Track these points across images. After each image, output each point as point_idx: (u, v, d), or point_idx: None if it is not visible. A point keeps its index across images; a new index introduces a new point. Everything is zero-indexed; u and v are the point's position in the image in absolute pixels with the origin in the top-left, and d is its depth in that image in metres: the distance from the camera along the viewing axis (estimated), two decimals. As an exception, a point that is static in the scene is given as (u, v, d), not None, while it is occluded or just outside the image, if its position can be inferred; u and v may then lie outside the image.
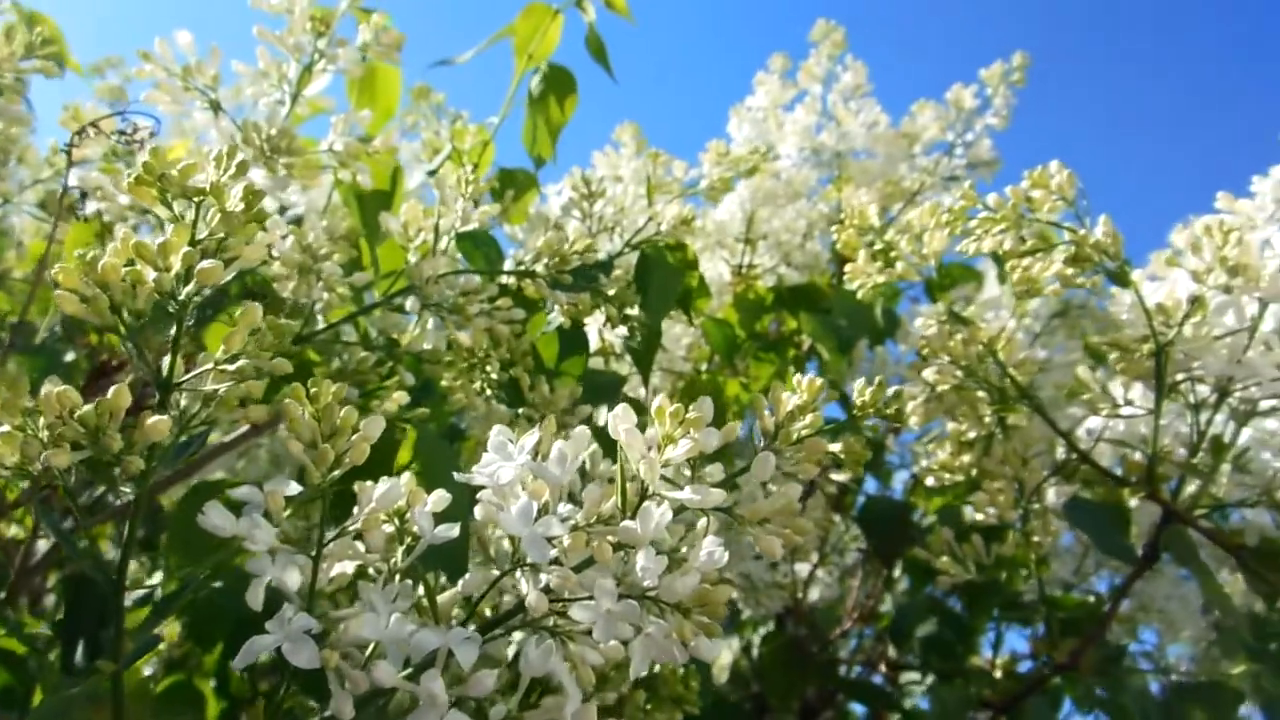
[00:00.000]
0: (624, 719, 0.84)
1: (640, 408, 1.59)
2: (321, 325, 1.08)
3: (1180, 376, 1.00)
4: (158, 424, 0.54)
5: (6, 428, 0.56)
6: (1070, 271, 0.93)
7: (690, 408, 0.70)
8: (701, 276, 1.89)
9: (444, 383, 1.01)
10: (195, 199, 0.56)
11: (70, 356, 1.33)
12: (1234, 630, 1.35)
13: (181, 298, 0.57)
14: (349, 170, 1.09)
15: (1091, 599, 1.50)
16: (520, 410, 0.99)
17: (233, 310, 1.11)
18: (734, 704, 1.36)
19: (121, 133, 0.88)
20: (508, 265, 1.20)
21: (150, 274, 0.54)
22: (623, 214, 1.60)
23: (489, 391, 1.00)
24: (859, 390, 0.76)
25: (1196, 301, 0.93)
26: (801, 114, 1.99)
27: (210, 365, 0.59)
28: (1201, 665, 1.54)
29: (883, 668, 1.48)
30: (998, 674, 1.46)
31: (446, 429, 1.32)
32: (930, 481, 1.16)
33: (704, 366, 1.94)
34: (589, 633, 0.65)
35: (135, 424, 0.56)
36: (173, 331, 0.58)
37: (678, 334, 1.86)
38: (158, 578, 1.44)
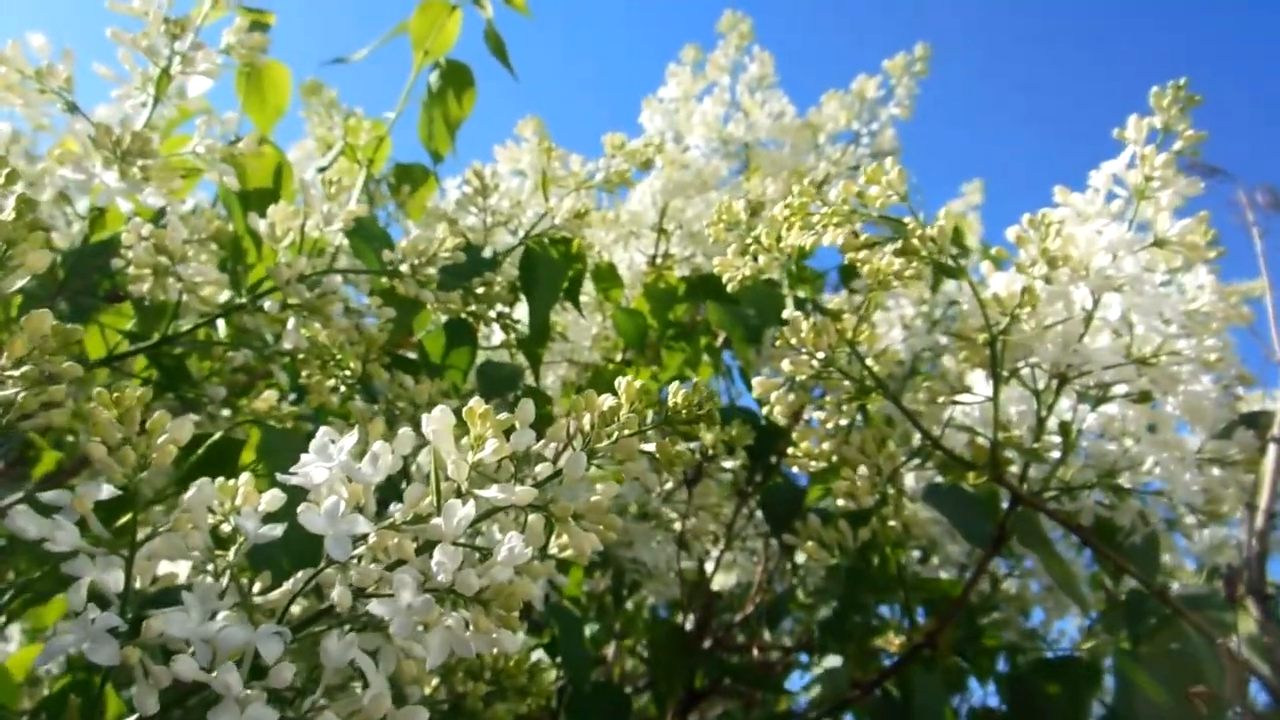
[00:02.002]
0: (465, 712, 0.86)
1: (543, 398, 1.61)
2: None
3: (1021, 364, 1.03)
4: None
5: None
6: (900, 263, 0.95)
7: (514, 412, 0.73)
8: (612, 266, 1.92)
9: (301, 380, 1.03)
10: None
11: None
12: (1116, 607, 1.39)
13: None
14: (215, 173, 1.10)
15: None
16: (376, 406, 1.01)
17: (100, 311, 1.12)
18: (616, 688, 1.39)
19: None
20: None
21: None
22: (519, 208, 1.62)
23: (344, 388, 1.02)
24: (673, 392, 0.78)
25: (1026, 292, 0.96)
26: (710, 105, 2.01)
27: (-4, 373, 0.60)
28: (1084, 642, 1.58)
29: (756, 651, 1.51)
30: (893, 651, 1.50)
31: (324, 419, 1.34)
32: (795, 470, 1.19)
33: (619, 356, 1.96)
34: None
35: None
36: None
37: (585, 325, 1.88)
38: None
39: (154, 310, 1.13)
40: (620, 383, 0.76)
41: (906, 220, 0.97)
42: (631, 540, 1.61)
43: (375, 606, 0.67)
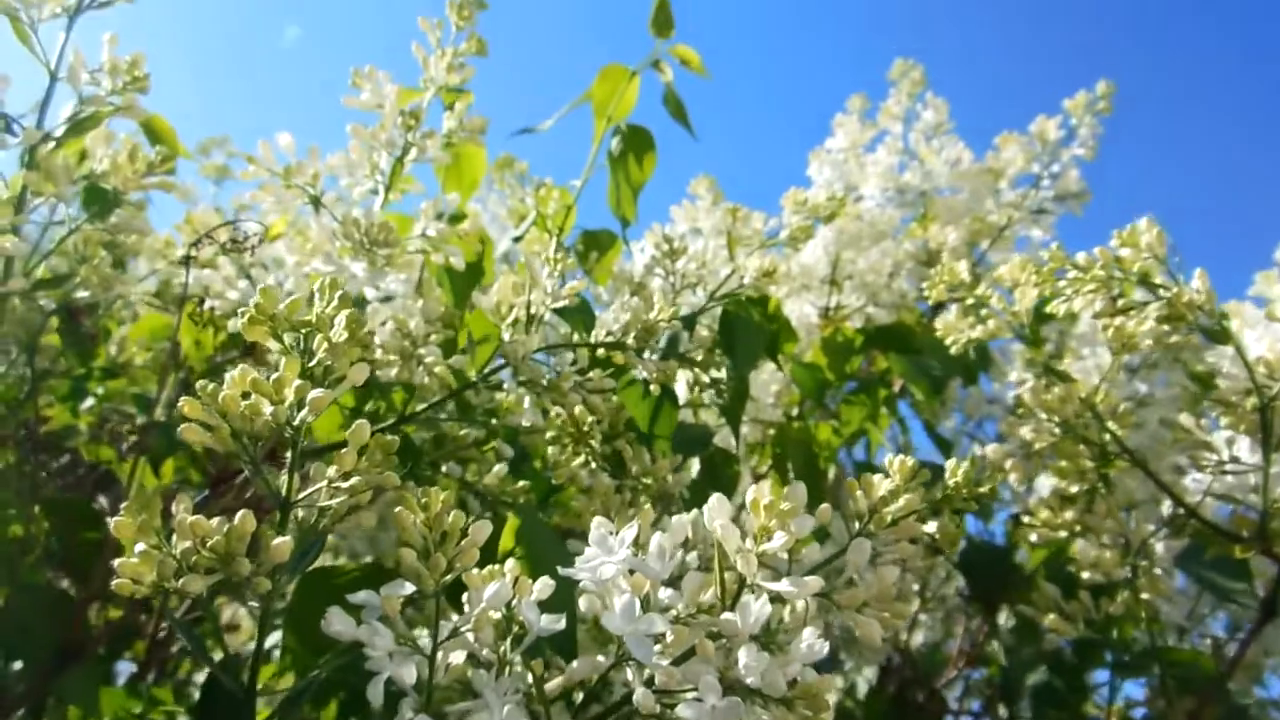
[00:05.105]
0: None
1: (731, 459, 1.60)
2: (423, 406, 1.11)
3: (1289, 429, 0.97)
4: (281, 546, 0.57)
5: (144, 548, 0.60)
6: (1165, 329, 0.91)
7: (784, 496, 0.72)
8: (787, 321, 1.90)
9: (548, 455, 1.04)
10: (303, 331, 0.60)
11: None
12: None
13: (296, 423, 0.60)
14: (441, 254, 1.13)
15: (1206, 649, 1.45)
16: (622, 481, 1.01)
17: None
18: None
19: (233, 240, 0.93)
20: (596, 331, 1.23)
21: (267, 408, 0.57)
22: (704, 268, 1.62)
23: (593, 464, 1.02)
24: (951, 471, 0.76)
25: (1302, 354, 0.90)
26: (883, 154, 1.99)
27: (324, 483, 0.62)
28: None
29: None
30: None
31: (544, 491, 1.34)
32: (1034, 538, 1.15)
33: (795, 411, 1.94)
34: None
35: (260, 544, 0.59)
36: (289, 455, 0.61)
37: (765, 380, 1.87)
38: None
39: (384, 389, 1.16)
40: (894, 461, 0.75)
41: (1164, 282, 0.93)
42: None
43: (683, 710, 0.66)
